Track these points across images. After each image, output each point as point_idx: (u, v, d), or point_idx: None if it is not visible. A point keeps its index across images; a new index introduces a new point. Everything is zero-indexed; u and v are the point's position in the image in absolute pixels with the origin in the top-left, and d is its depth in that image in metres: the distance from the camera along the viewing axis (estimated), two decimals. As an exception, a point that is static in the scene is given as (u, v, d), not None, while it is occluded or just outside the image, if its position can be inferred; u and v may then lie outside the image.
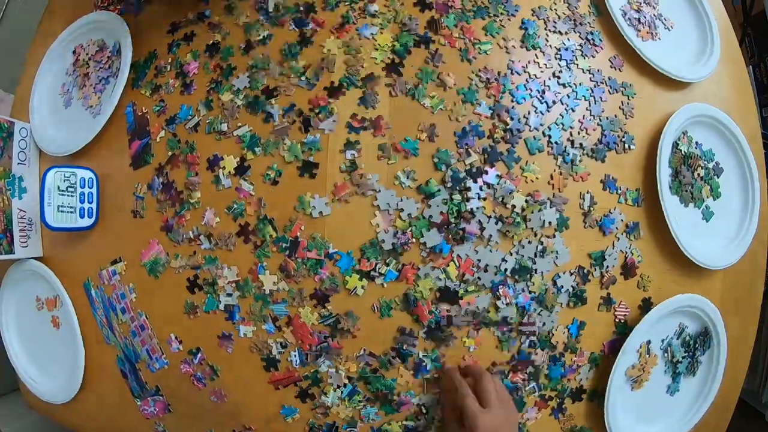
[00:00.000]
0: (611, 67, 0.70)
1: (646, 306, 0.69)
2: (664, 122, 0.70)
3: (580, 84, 0.68)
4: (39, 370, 0.79)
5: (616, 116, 0.69)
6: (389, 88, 0.65)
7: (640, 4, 0.74)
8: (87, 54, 0.79)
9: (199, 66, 0.70)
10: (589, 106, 0.68)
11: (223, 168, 0.66)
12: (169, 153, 0.70)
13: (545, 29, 0.69)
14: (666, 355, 0.72)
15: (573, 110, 0.67)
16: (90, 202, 0.72)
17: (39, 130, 0.78)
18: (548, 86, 0.67)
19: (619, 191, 0.68)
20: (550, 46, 0.68)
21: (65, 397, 0.75)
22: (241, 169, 0.66)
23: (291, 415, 0.66)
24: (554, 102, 0.67)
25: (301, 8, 0.68)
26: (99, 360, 0.74)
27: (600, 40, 0.71)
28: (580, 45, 0.69)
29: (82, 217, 0.72)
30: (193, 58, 0.71)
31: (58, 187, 0.70)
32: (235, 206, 0.66)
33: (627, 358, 0.68)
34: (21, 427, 0.99)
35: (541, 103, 0.66)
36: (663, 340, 0.71)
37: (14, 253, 0.74)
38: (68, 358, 0.75)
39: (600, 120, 0.68)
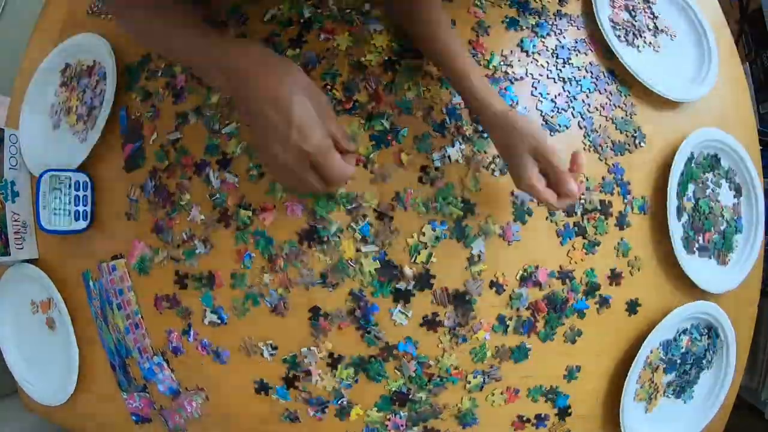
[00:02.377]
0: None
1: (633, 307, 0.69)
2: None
3: (583, 77, 0.70)
4: (35, 373, 0.79)
5: (629, 115, 0.70)
6: (363, 83, 0.66)
7: (634, 15, 0.74)
8: (76, 77, 0.79)
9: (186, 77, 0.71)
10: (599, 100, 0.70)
11: (212, 167, 0.67)
12: (166, 163, 0.70)
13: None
14: (672, 360, 0.72)
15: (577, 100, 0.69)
16: (84, 205, 0.72)
17: (27, 150, 0.78)
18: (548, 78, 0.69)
19: (626, 200, 0.69)
20: (546, 47, 0.69)
21: (61, 398, 0.75)
22: (224, 163, 0.67)
23: (284, 398, 0.65)
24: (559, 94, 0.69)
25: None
26: (94, 360, 0.74)
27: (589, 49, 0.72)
28: (574, 41, 0.70)
29: (77, 220, 0.72)
30: (183, 71, 0.71)
31: (53, 188, 0.70)
32: (218, 196, 0.66)
33: (632, 385, 0.68)
34: (21, 428, 1.00)
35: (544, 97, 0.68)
36: (666, 354, 0.71)
37: (10, 255, 0.74)
38: (63, 359, 0.75)
39: (614, 119, 0.69)
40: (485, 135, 0.65)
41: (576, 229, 0.67)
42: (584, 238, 0.67)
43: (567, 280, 0.66)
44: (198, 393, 0.68)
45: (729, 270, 0.74)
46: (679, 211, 0.70)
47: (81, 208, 0.72)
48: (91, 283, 0.73)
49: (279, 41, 0.68)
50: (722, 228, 0.73)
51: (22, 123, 0.79)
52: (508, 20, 0.69)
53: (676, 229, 0.69)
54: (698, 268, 0.70)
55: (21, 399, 0.83)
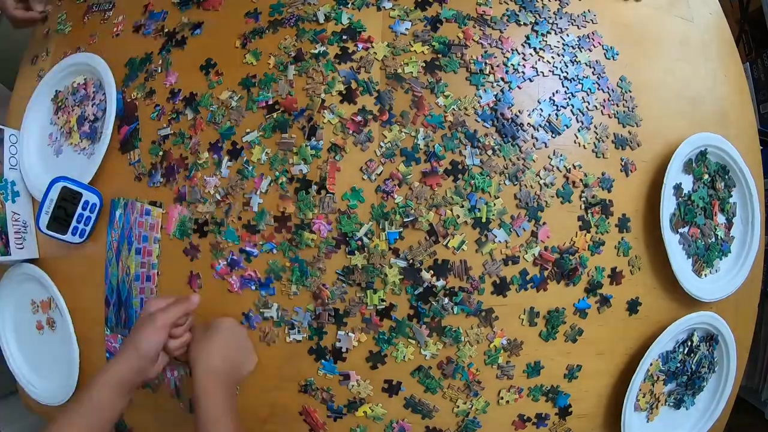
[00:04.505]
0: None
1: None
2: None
3: (586, 77, 0.69)
4: (36, 373, 0.79)
5: (632, 109, 0.70)
6: (409, 93, 0.66)
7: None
8: (70, 102, 0.78)
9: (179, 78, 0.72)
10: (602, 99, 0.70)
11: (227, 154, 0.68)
12: (160, 153, 0.71)
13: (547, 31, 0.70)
14: (675, 369, 0.72)
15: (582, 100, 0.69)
16: (86, 225, 0.72)
17: (33, 180, 0.76)
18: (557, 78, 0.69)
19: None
20: (549, 45, 0.69)
21: (62, 398, 0.75)
22: (234, 152, 0.67)
23: (332, 372, 0.66)
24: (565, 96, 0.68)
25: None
26: (95, 359, 0.74)
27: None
28: (577, 37, 0.70)
29: (74, 234, 0.71)
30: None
31: (61, 198, 0.69)
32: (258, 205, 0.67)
33: (632, 398, 0.68)
34: (21, 428, 1.00)
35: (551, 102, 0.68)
36: (666, 365, 0.71)
37: (10, 255, 0.74)
38: (64, 359, 0.75)
39: (617, 113, 0.70)
40: (511, 141, 0.66)
41: (581, 223, 0.67)
42: (588, 231, 0.67)
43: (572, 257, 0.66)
44: (184, 366, 0.68)
45: (719, 279, 0.73)
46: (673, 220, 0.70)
47: (81, 226, 0.72)
48: (117, 213, 0.72)
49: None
50: (710, 241, 0.72)
51: (23, 161, 0.78)
52: (509, 13, 0.69)
53: (671, 238, 0.69)
54: (691, 276, 0.71)
55: (21, 399, 0.83)
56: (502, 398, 0.66)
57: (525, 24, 0.69)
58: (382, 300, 0.64)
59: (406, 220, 0.64)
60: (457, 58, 0.67)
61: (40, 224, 0.70)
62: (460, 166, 0.65)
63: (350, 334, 0.65)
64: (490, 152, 0.65)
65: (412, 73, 0.66)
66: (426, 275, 0.64)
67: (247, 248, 0.66)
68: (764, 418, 1.13)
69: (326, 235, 0.64)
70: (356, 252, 0.64)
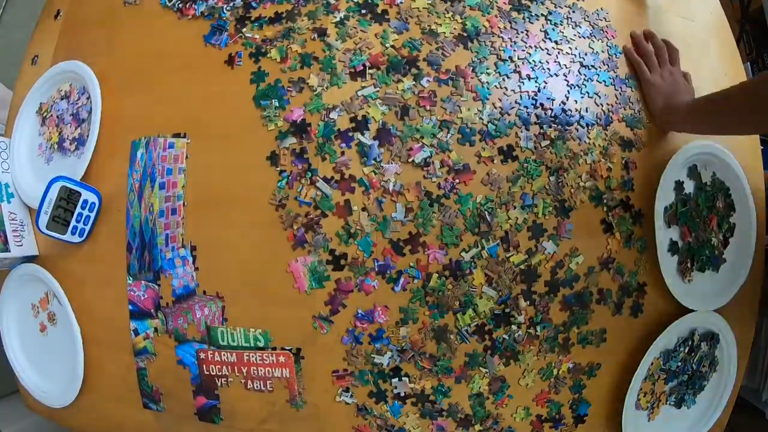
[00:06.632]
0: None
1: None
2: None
3: (602, 70, 0.70)
4: (40, 375, 0.79)
5: (639, 113, 0.70)
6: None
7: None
8: (54, 115, 0.78)
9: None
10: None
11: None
12: None
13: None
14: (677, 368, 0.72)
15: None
16: (85, 224, 0.72)
17: (27, 191, 0.76)
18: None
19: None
20: (567, 38, 0.70)
21: (66, 400, 0.75)
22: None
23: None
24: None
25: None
26: (99, 361, 0.73)
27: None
28: (591, 32, 0.71)
29: (73, 234, 0.71)
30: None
31: (60, 198, 0.69)
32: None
33: (633, 396, 0.68)
34: (22, 428, 1.00)
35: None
36: (668, 363, 0.71)
37: (10, 251, 0.74)
38: (68, 361, 0.74)
39: (624, 117, 0.70)
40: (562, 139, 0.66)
41: (604, 226, 0.66)
42: (612, 234, 0.67)
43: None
44: (215, 300, 0.64)
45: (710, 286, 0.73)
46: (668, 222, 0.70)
47: (80, 226, 0.71)
48: (139, 153, 0.69)
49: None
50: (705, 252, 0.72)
51: (16, 174, 0.77)
52: (525, 12, 0.69)
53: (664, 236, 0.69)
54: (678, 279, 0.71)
55: (22, 399, 0.82)
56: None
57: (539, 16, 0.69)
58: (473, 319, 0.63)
59: (488, 214, 0.62)
60: (486, 45, 0.66)
61: (40, 224, 0.70)
62: (513, 153, 0.64)
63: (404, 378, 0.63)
64: (543, 141, 0.65)
65: (444, 33, 0.65)
66: (523, 303, 0.63)
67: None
68: (764, 418, 1.13)
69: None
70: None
